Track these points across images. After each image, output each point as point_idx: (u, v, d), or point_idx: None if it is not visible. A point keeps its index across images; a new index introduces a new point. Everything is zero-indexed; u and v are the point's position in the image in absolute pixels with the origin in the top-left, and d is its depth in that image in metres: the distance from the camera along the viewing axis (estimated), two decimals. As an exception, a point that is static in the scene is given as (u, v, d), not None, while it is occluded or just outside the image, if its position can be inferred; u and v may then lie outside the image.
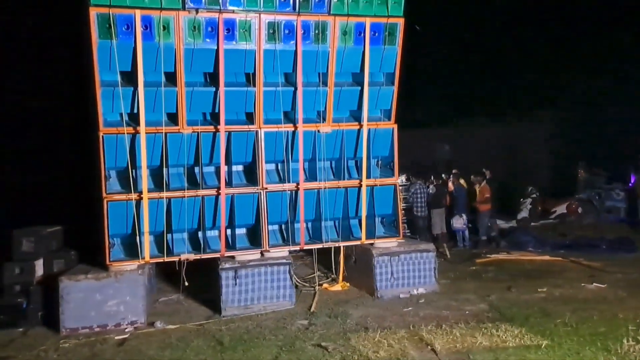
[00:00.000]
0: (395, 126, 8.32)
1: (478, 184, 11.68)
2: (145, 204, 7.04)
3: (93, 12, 6.48)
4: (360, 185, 8.13)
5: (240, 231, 7.85)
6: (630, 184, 14.35)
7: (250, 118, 7.75)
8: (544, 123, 18.83)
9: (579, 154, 15.99)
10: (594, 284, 8.15)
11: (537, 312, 6.59)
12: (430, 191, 11.95)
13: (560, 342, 5.67)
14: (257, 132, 7.65)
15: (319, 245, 8.05)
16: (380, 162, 8.51)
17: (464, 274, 8.83)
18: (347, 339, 6.00)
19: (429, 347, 5.67)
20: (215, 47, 7.12)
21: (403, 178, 11.22)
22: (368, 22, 7.71)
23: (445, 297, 7.65)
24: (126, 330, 6.68)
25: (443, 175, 12.48)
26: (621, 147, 15.63)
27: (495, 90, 18.71)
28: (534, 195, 15.00)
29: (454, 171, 12.09)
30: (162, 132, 7.13)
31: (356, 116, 8.25)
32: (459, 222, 11.49)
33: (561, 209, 14.83)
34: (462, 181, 11.77)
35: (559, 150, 18.03)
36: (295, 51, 7.52)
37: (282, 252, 7.73)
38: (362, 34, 7.74)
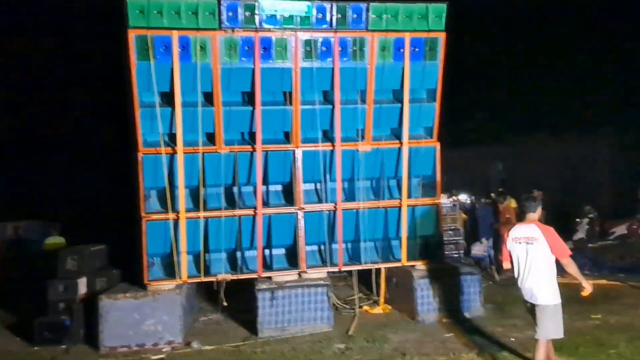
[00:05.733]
0: (438, 144, 8.06)
1: (500, 204, 10.89)
2: (182, 223, 7.08)
3: (131, 35, 6.66)
4: (401, 206, 7.88)
5: (278, 251, 7.76)
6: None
7: (288, 137, 7.69)
8: (606, 141, 17.91)
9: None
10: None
11: (589, 341, 6.12)
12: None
13: (614, 376, 5.20)
14: (294, 151, 7.58)
15: (358, 267, 7.83)
16: (423, 181, 8.24)
17: (512, 299, 8.31)
18: (384, 366, 5.74)
19: (471, 377, 5.33)
20: (252, 66, 7.14)
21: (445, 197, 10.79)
22: (408, 37, 7.53)
23: (491, 322, 7.25)
24: (163, 350, 6.67)
25: (492, 195, 12.00)
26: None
27: (554, 107, 17.98)
28: (592, 215, 14.23)
29: (500, 189, 11.57)
30: (199, 152, 7.18)
31: (397, 134, 8.03)
32: (479, 248, 10.74)
33: (621, 229, 13.94)
34: (510, 202, 11.15)
35: (621, 169, 17.06)
36: (333, 69, 7.44)
37: (321, 273, 7.56)
38: (402, 50, 7.56)
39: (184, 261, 7.11)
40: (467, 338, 6.65)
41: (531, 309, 5.15)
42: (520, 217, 9.79)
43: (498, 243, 10.76)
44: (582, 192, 16.40)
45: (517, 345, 6.23)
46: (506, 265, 5.42)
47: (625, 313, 7.48)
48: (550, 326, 4.97)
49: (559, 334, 5.02)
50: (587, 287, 5.06)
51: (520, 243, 5.11)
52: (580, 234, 13.70)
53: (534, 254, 5.01)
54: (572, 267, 5.01)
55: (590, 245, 13.29)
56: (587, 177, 17.64)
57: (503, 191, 11.30)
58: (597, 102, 17.67)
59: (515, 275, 5.21)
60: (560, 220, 12.73)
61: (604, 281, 9.46)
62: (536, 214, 5.22)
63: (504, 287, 9.26)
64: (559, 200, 13.39)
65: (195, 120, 7.09)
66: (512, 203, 11.00)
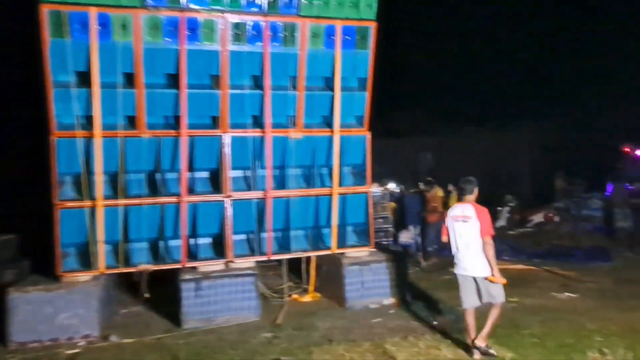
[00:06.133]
0: (369, 133, 8.09)
1: (427, 192, 11.13)
2: (99, 211, 6.69)
3: (44, 10, 6.16)
4: (332, 194, 7.87)
5: (204, 241, 7.52)
6: (607, 193, 14.34)
7: (215, 122, 7.44)
8: (527, 133, 18.91)
9: (559, 164, 16.02)
10: (566, 293, 8.02)
11: (506, 323, 6.36)
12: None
13: (525, 355, 5.52)
14: (222, 136, 7.36)
15: (287, 255, 7.76)
16: (353, 170, 8.26)
17: (436, 284, 8.59)
18: (310, 353, 5.71)
19: (392, 360, 5.42)
20: (177, 47, 6.83)
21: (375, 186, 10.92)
22: (339, 24, 7.48)
23: (416, 307, 7.40)
24: (78, 344, 6.30)
25: (419, 184, 12.27)
26: (600, 157, 15.71)
27: (479, 100, 18.75)
28: (512, 204, 14.95)
29: (427, 179, 11.84)
30: (119, 136, 6.80)
31: (328, 122, 7.95)
32: (407, 235, 11.01)
33: (538, 217, 14.78)
34: (437, 191, 11.44)
35: (540, 160, 18.09)
36: (263, 53, 7.25)
37: (248, 262, 7.41)
38: (333, 37, 7.49)
39: (102, 251, 6.73)
40: (393, 323, 6.77)
41: (466, 281, 5.60)
42: (447, 203, 10.15)
43: (425, 231, 11.08)
44: (504, 182, 17.24)
45: (439, 329, 6.42)
46: (444, 239, 5.90)
47: (539, 296, 7.90)
48: (499, 291, 5.48)
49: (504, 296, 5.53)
50: (497, 277, 5.47)
51: (457, 221, 5.62)
52: (501, 222, 14.37)
53: (468, 231, 5.52)
54: (489, 249, 5.45)
55: (510, 232, 13.98)
56: (509, 168, 18.59)
57: (430, 181, 11.58)
58: (517, 97, 18.64)
59: (452, 249, 5.72)
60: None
61: (520, 266, 9.96)
62: (472, 195, 5.76)
63: (430, 273, 9.56)
64: (482, 190, 13.97)
65: (114, 103, 6.69)
66: (439, 192, 11.32)
